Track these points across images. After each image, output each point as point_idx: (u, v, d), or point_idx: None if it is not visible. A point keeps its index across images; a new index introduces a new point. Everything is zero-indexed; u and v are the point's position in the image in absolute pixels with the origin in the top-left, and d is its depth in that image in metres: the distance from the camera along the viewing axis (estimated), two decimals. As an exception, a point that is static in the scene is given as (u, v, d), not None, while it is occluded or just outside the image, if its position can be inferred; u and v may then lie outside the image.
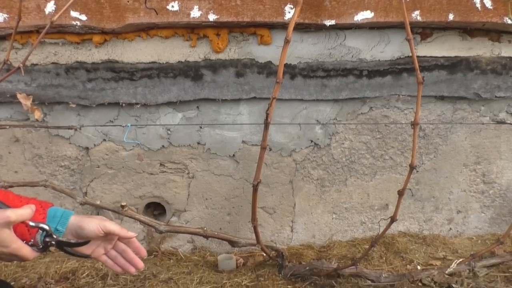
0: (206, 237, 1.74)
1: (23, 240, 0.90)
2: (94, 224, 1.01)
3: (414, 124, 1.52)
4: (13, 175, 2.00)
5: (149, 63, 1.87)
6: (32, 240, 0.92)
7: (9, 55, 1.56)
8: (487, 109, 2.09)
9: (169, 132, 1.99)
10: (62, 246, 0.96)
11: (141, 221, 1.69)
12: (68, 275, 1.85)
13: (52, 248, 0.96)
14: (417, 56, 1.47)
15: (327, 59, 1.91)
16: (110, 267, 1.11)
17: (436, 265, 1.93)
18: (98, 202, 1.70)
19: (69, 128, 1.87)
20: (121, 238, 1.09)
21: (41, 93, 1.86)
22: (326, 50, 1.90)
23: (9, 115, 1.92)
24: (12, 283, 1.74)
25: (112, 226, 1.04)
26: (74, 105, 1.90)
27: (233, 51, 1.88)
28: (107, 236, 1.06)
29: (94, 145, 1.98)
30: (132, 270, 1.12)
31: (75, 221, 1.02)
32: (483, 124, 2.10)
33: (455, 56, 1.95)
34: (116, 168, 2.02)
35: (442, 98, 2.04)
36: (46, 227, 0.93)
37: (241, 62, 1.89)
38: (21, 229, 0.92)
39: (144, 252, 1.13)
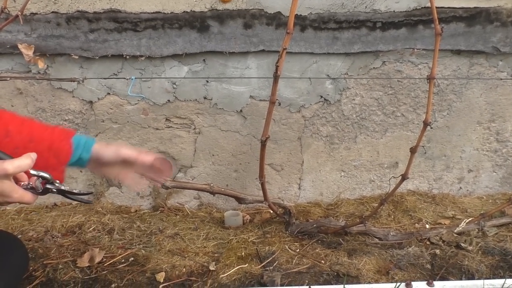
0: (213, 193, 1.72)
1: (22, 182, 0.89)
2: (110, 153, 1.07)
3: (430, 79, 1.45)
4: (17, 129, 1.97)
5: (153, 13, 1.79)
6: (31, 183, 0.89)
7: (7, 2, 1.50)
8: (505, 64, 2.01)
9: (174, 86, 1.93)
10: (63, 193, 0.94)
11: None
12: (74, 229, 1.85)
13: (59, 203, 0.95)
14: (435, 7, 1.38)
15: (339, 9, 1.82)
16: (134, 189, 1.19)
17: (445, 224, 1.91)
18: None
19: (72, 80, 1.81)
20: (140, 163, 1.12)
21: (42, 44, 1.80)
22: (339, 0, 1.81)
23: (10, 67, 1.87)
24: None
25: (128, 152, 1.08)
26: (76, 57, 1.84)
27: (240, 1, 1.80)
28: (127, 162, 1.10)
29: (98, 98, 1.94)
30: (159, 185, 1.24)
31: (95, 151, 1.07)
32: (500, 80, 2.02)
33: (475, 7, 1.85)
34: (121, 123, 1.98)
35: (458, 52, 1.96)
36: (47, 175, 0.90)
37: (249, 12, 1.80)
38: None
39: (170, 163, 1.19)
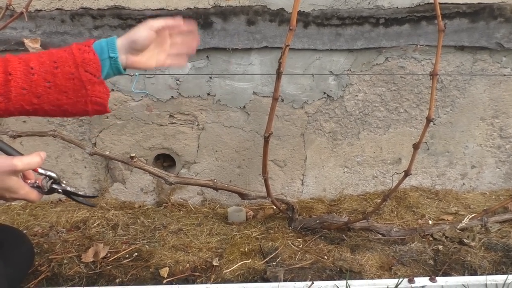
0: (216, 189, 1.73)
1: (28, 180, 0.90)
2: (143, 31, 1.02)
3: (433, 75, 1.45)
4: (22, 125, 1.98)
5: (157, 10, 1.80)
6: (37, 182, 0.90)
7: (12, -1, 1.50)
8: (508, 60, 2.00)
9: (178, 82, 1.94)
10: (68, 194, 0.95)
11: (150, 173, 1.67)
12: (79, 224, 1.86)
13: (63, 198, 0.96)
14: (439, 3, 1.38)
15: (342, 6, 1.82)
16: (177, 65, 1.16)
17: (447, 220, 1.91)
18: (107, 153, 1.68)
19: (76, 77, 1.82)
20: (172, 30, 1.09)
21: (46, 41, 1.81)
22: (342, -3, 1.81)
23: (15, 64, 1.88)
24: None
25: (158, 22, 1.04)
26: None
27: (244, -3, 1.80)
28: (159, 38, 1.07)
29: (102, 95, 1.94)
30: (195, 47, 1.14)
31: (125, 40, 1.02)
32: (504, 76, 2.01)
33: (478, 3, 1.85)
34: (125, 119, 1.99)
35: (462, 48, 1.95)
36: (54, 175, 0.91)
37: (253, 9, 1.81)
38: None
39: (195, 27, 1.14)
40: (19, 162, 0.82)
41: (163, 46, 1.10)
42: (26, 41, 1.78)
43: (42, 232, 1.79)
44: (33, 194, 0.89)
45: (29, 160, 0.84)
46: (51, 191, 0.92)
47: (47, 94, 0.94)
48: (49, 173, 0.91)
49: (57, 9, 1.78)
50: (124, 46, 1.01)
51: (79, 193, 0.97)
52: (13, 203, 1.99)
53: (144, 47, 1.03)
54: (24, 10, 1.46)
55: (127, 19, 1.80)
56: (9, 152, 0.87)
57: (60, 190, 0.93)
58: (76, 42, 1.00)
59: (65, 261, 1.58)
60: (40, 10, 1.78)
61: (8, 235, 1.28)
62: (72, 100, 0.97)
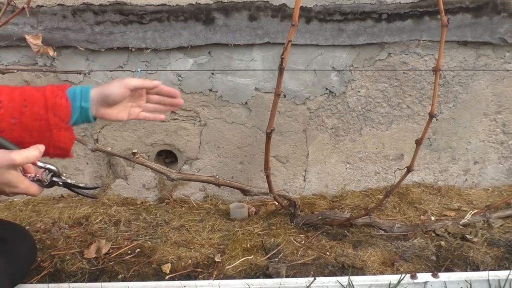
0: (218, 185, 1.73)
1: (28, 174, 0.90)
2: (117, 87, 1.01)
3: (435, 70, 1.45)
4: (24, 121, 1.98)
5: (159, 5, 1.79)
6: (37, 175, 0.90)
7: (13, -5, 1.50)
8: (512, 56, 2.00)
9: (180, 78, 1.94)
10: (69, 187, 0.95)
11: (152, 169, 1.68)
12: (81, 220, 1.86)
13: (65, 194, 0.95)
14: (442, -2, 1.38)
15: (344, 1, 1.81)
16: (153, 119, 1.13)
17: (450, 216, 1.91)
18: (109, 149, 1.69)
19: (78, 73, 1.82)
20: (149, 90, 1.09)
21: (48, 37, 1.81)
22: (344, -8, 1.80)
23: (17, 59, 1.88)
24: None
25: (134, 81, 1.03)
26: (83, 49, 1.84)
27: (246, -7, 1.79)
28: (135, 94, 1.06)
29: (104, 91, 1.94)
30: (177, 107, 1.15)
31: (98, 92, 1.01)
32: (507, 71, 2.00)
33: (482, -2, 1.84)
34: (127, 115, 1.99)
35: (465, 43, 1.95)
36: (53, 168, 0.91)
37: (255, 4, 1.80)
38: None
39: (177, 92, 1.13)
40: (18, 156, 0.82)
41: (138, 101, 1.09)
42: (27, 37, 1.77)
43: (45, 228, 1.80)
44: (34, 188, 0.88)
45: (27, 153, 0.83)
46: (52, 184, 0.92)
47: (11, 130, 0.94)
48: (48, 166, 0.91)
49: (58, 4, 1.78)
50: (97, 98, 1.01)
51: (80, 185, 0.97)
52: (15, 199, 1.99)
53: (116, 103, 1.03)
54: (25, 5, 1.46)
55: (129, 15, 1.79)
56: (8, 146, 0.87)
57: (61, 183, 0.93)
58: (51, 84, 1.01)
59: (67, 257, 1.58)
60: (42, 6, 1.77)
61: (11, 231, 1.28)
62: (34, 140, 0.96)
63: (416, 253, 1.63)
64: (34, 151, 0.85)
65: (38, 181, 0.90)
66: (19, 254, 1.23)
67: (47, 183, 0.91)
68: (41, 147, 0.86)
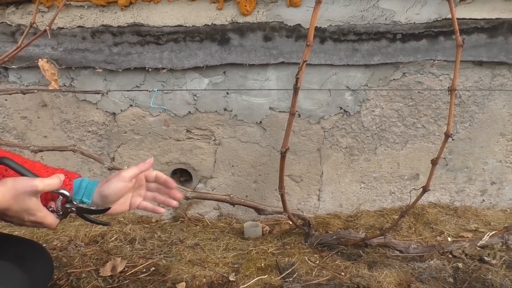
0: (233, 204, 1.73)
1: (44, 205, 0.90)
2: (116, 187, 1.00)
3: (451, 90, 1.44)
4: (43, 140, 2.02)
5: (175, 26, 1.83)
6: (52, 207, 0.92)
7: (35, 17, 1.55)
8: (528, 76, 1.98)
9: (195, 97, 1.96)
10: (82, 213, 0.96)
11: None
12: (97, 238, 1.88)
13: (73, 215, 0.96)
14: (456, 18, 1.38)
15: (359, 21, 1.83)
16: (152, 210, 1.11)
17: (467, 237, 1.88)
18: (125, 167, 1.70)
19: (96, 92, 1.86)
20: (148, 177, 1.09)
21: (67, 57, 1.85)
22: (358, 12, 1.82)
23: (37, 80, 1.93)
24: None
25: (130, 172, 1.02)
26: (100, 70, 1.88)
27: (261, 14, 1.82)
28: (135, 184, 1.06)
29: (121, 110, 1.98)
30: (174, 203, 1.12)
31: (99, 193, 1.00)
32: (523, 91, 1.99)
33: (497, 18, 1.84)
34: (143, 134, 2.02)
35: (480, 63, 1.94)
36: (66, 193, 0.92)
37: (269, 25, 1.82)
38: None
39: (172, 184, 1.11)
40: (40, 183, 0.84)
41: (139, 190, 1.09)
42: (40, 61, 1.82)
43: (61, 246, 1.81)
44: (51, 218, 0.90)
45: (49, 181, 0.86)
46: (65, 212, 0.93)
47: None
48: (61, 190, 0.92)
49: (78, 26, 1.82)
50: (97, 198, 1.01)
51: (92, 208, 0.97)
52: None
53: (116, 200, 1.02)
54: (47, 27, 1.50)
55: (146, 36, 1.83)
56: (23, 173, 0.89)
57: (74, 209, 0.94)
58: (62, 168, 1.01)
59: (83, 275, 1.59)
60: (62, 28, 1.82)
61: (29, 249, 1.29)
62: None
63: (433, 274, 1.60)
64: (56, 180, 0.88)
65: (53, 212, 0.92)
66: (37, 271, 1.24)
67: (61, 212, 0.93)
68: (62, 176, 0.89)
